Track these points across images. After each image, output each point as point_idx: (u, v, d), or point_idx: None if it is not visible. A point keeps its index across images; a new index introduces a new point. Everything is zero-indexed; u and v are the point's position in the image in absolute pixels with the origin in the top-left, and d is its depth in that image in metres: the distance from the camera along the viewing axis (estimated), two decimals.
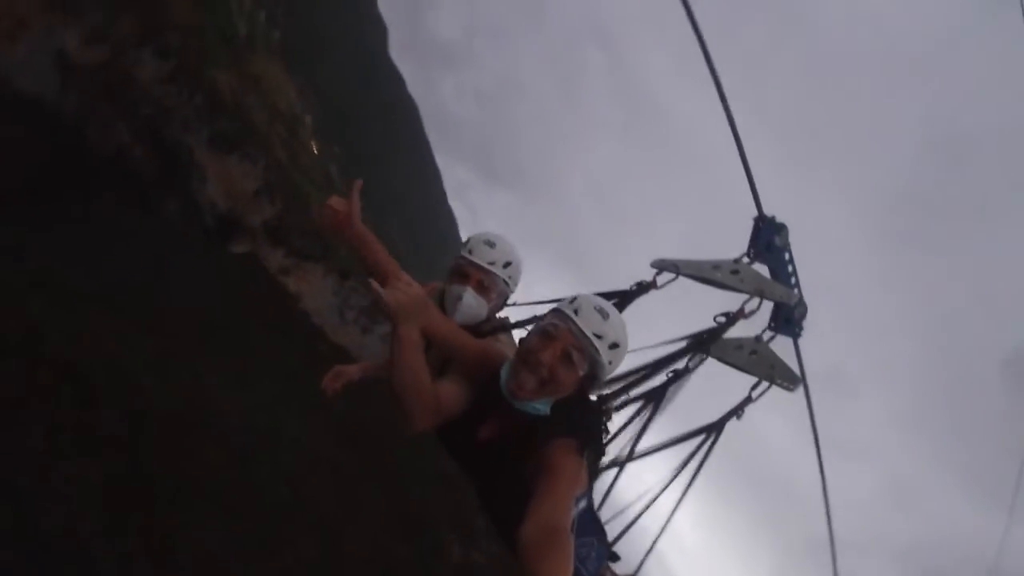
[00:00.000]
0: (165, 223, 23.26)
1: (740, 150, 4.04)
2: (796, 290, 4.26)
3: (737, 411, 4.16)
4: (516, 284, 2.78)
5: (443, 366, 2.46)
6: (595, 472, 2.54)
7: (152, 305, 13.94)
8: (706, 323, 4.25)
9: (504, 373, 2.16)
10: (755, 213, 4.27)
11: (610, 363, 2.15)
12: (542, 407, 2.10)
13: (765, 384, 4.14)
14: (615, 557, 2.63)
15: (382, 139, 66.45)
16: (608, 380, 2.28)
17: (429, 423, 2.12)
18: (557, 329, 2.10)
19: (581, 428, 2.08)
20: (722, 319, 4.10)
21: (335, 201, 2.46)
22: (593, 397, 2.33)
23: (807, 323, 4.39)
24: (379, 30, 79.30)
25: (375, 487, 13.02)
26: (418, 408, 2.07)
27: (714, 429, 4.10)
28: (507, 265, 2.68)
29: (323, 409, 14.66)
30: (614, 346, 2.13)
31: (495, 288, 2.67)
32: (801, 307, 4.32)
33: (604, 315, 2.13)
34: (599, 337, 2.10)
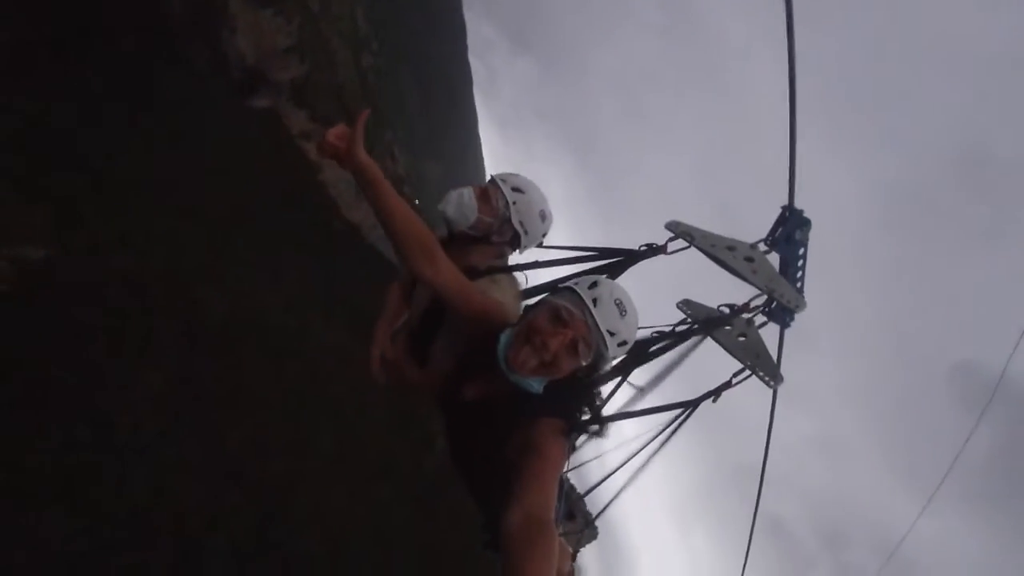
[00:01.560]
0: (192, 73, 23.14)
1: (792, 126, 3.70)
2: (800, 284, 4.17)
3: (715, 393, 3.98)
4: (530, 232, 2.70)
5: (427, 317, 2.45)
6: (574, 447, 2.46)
7: (189, 183, 14.55)
8: (701, 291, 4.18)
9: (504, 340, 2.10)
10: (784, 201, 4.08)
11: (614, 358, 2.13)
12: (536, 384, 2.07)
13: (747, 372, 4.01)
14: (571, 516, 2.75)
15: None
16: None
17: (433, 266, 2.10)
18: (572, 317, 2.06)
19: (572, 410, 2.07)
20: (725, 309, 4.01)
21: (338, 132, 2.19)
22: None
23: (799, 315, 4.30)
24: None
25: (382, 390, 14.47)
26: (417, 250, 2.08)
27: (689, 406, 3.94)
28: (517, 189, 2.66)
29: (339, 304, 15.98)
30: (623, 344, 2.11)
31: (493, 203, 2.65)
32: (802, 259, 4.21)
33: (622, 311, 2.10)
34: (612, 334, 2.08)
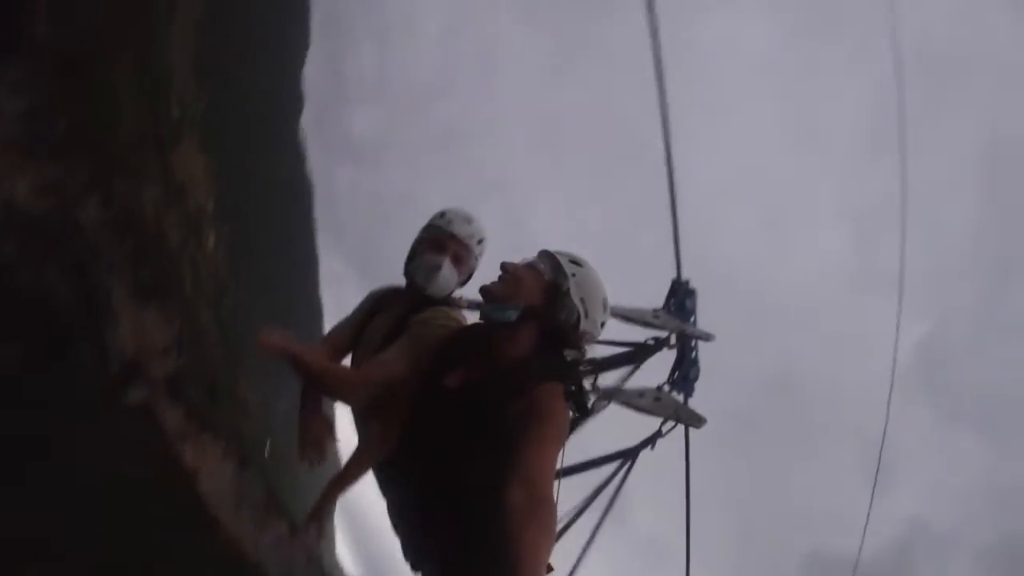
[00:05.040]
0: (73, 370, 24.24)
1: (673, 207, 4.07)
2: (696, 358, 4.49)
3: (650, 442, 4.19)
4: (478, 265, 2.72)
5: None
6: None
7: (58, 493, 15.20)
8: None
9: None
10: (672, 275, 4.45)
11: (574, 276, 2.13)
12: (511, 312, 2.06)
13: (672, 422, 4.24)
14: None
15: (269, 208, 67.22)
16: (581, 328, 2.16)
17: (357, 388, 2.25)
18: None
19: (565, 369, 2.09)
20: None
21: (269, 339, 2.31)
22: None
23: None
24: (296, 102, 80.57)
25: None
26: (339, 385, 2.25)
27: (629, 456, 4.08)
28: (480, 242, 2.64)
29: None
30: (574, 262, 2.16)
31: (467, 264, 2.63)
32: (695, 370, 4.51)
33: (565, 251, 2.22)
34: (560, 254, 2.17)
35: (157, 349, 27.11)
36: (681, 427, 4.33)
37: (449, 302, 2.60)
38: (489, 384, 2.00)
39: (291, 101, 78.07)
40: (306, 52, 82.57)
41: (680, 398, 4.42)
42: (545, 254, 2.14)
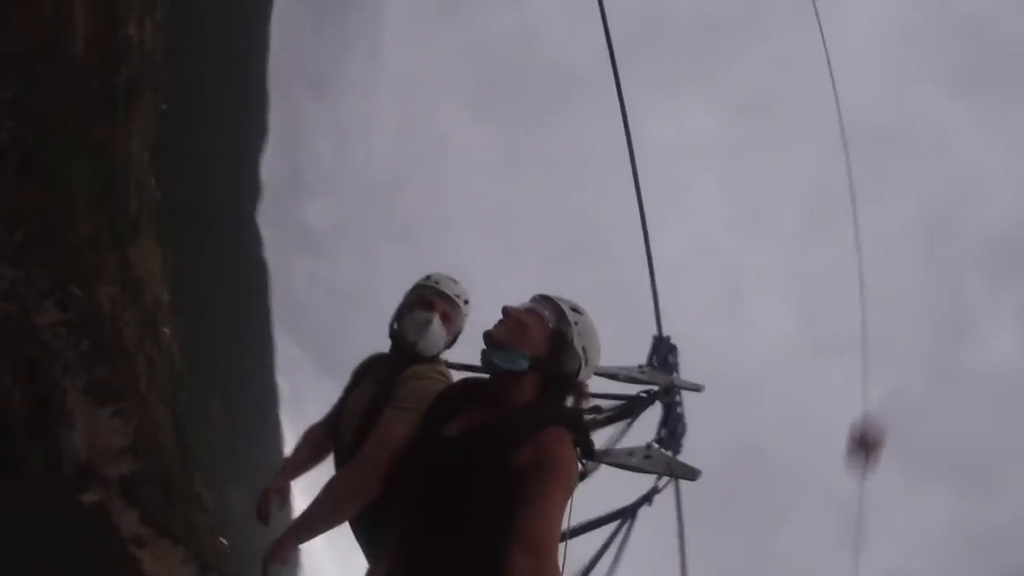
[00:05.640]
0: (27, 477, 23.63)
1: (650, 263, 4.16)
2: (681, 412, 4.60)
3: (648, 498, 4.16)
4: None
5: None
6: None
7: None
8: None
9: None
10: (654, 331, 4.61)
11: (576, 324, 2.04)
12: (520, 360, 1.97)
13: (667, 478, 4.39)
14: None
15: (226, 296, 67.02)
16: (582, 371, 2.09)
17: (368, 480, 2.12)
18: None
19: (571, 419, 1.98)
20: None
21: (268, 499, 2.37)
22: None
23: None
24: (253, 191, 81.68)
25: None
26: (351, 499, 2.13)
27: (628, 514, 4.05)
28: (467, 303, 2.66)
29: None
30: (575, 310, 2.08)
31: (455, 323, 2.61)
32: (683, 426, 4.52)
33: (561, 296, 2.14)
34: (559, 300, 2.09)
35: (112, 451, 26.69)
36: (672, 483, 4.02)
37: (436, 361, 2.53)
38: (493, 431, 1.90)
39: (249, 190, 79.10)
40: (263, 143, 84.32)
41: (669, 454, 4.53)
42: (546, 300, 2.08)
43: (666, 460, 4.25)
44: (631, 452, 4.25)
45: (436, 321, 2.50)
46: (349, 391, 2.61)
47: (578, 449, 1.94)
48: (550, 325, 2.02)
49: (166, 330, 46.05)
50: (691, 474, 4.22)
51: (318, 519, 2.14)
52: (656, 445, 4.35)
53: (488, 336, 2.02)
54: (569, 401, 2.11)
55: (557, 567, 1.68)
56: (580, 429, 1.97)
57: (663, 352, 4.52)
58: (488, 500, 1.82)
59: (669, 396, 4.38)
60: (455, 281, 2.68)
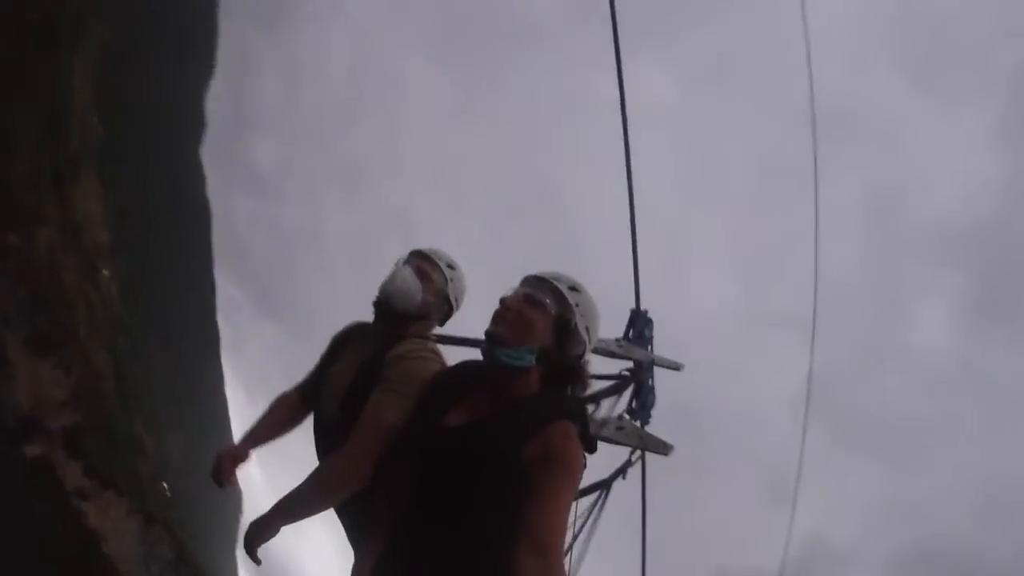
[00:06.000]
0: None
1: (634, 240, 4.17)
2: (651, 380, 4.60)
3: (622, 472, 4.24)
4: (459, 302, 2.50)
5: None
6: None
7: None
8: None
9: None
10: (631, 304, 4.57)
11: (577, 305, 1.93)
12: (527, 355, 1.89)
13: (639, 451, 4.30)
14: None
15: (167, 235, 65.29)
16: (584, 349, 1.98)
17: (357, 472, 2.01)
18: (516, 287, 1.99)
19: (576, 411, 1.91)
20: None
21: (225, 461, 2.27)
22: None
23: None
24: (197, 126, 78.68)
25: None
26: (339, 487, 2.04)
27: (603, 487, 4.10)
28: (451, 266, 2.45)
29: None
30: (573, 289, 1.96)
31: (435, 282, 2.40)
32: (652, 398, 4.59)
33: (555, 273, 2.00)
34: (556, 279, 1.95)
35: (54, 403, 26.46)
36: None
37: (426, 335, 2.39)
38: (500, 424, 1.83)
39: (193, 126, 76.20)
40: (210, 78, 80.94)
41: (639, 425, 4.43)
42: (542, 283, 1.96)
43: (638, 433, 4.44)
44: (604, 422, 4.37)
45: (407, 270, 2.36)
46: (328, 361, 2.48)
47: (583, 442, 1.88)
48: (552, 313, 1.93)
49: (106, 272, 44.86)
50: (663, 449, 4.43)
51: (303, 504, 2.09)
52: (627, 416, 4.49)
53: (492, 335, 1.92)
54: (574, 388, 2.04)
55: (563, 567, 1.64)
56: (584, 421, 1.91)
57: (640, 326, 4.63)
58: (494, 496, 1.76)
59: (640, 372, 4.47)
60: (436, 249, 2.53)
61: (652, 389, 4.66)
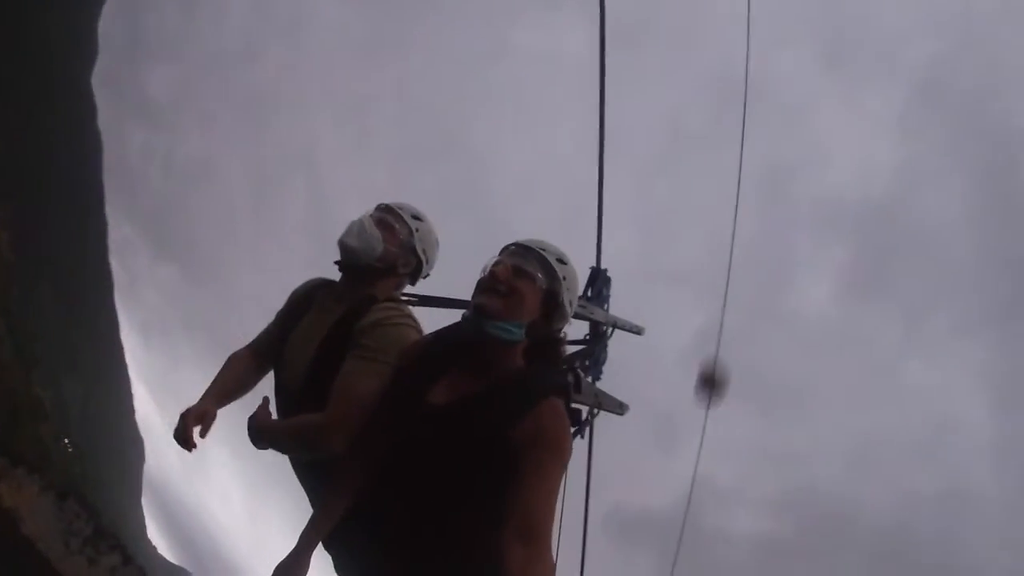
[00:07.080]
0: None
1: (600, 199, 4.22)
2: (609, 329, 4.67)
3: (579, 431, 4.25)
4: (429, 257, 2.34)
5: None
6: None
7: None
8: None
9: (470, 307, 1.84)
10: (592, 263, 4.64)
11: (564, 279, 1.83)
12: (515, 329, 1.78)
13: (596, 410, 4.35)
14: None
15: (56, 170, 61.30)
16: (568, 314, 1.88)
17: (333, 436, 1.89)
18: (500, 257, 1.85)
19: (563, 388, 1.81)
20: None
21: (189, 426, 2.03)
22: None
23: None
24: (89, 53, 72.57)
25: None
26: (316, 439, 1.93)
27: None
28: (416, 217, 2.30)
29: None
30: (561, 262, 1.86)
31: (398, 234, 2.24)
32: (604, 355, 4.64)
33: (541, 243, 1.89)
34: (543, 250, 1.84)
35: None
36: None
37: (397, 299, 2.30)
38: (488, 403, 1.72)
39: (84, 52, 70.39)
40: (103, 1, 74.53)
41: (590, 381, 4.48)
42: (531, 253, 1.83)
43: (594, 391, 4.45)
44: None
45: (367, 219, 2.22)
46: (288, 321, 2.30)
47: (569, 419, 1.80)
48: (542, 288, 1.82)
49: None
50: (619, 408, 4.49)
51: (275, 438, 2.03)
52: (580, 372, 4.56)
53: (481, 308, 1.78)
54: (557, 360, 1.97)
55: (551, 555, 1.61)
56: (569, 396, 1.82)
57: (599, 285, 4.63)
58: (481, 480, 1.68)
59: (595, 329, 4.59)
60: (402, 202, 2.40)
61: (605, 345, 4.75)
